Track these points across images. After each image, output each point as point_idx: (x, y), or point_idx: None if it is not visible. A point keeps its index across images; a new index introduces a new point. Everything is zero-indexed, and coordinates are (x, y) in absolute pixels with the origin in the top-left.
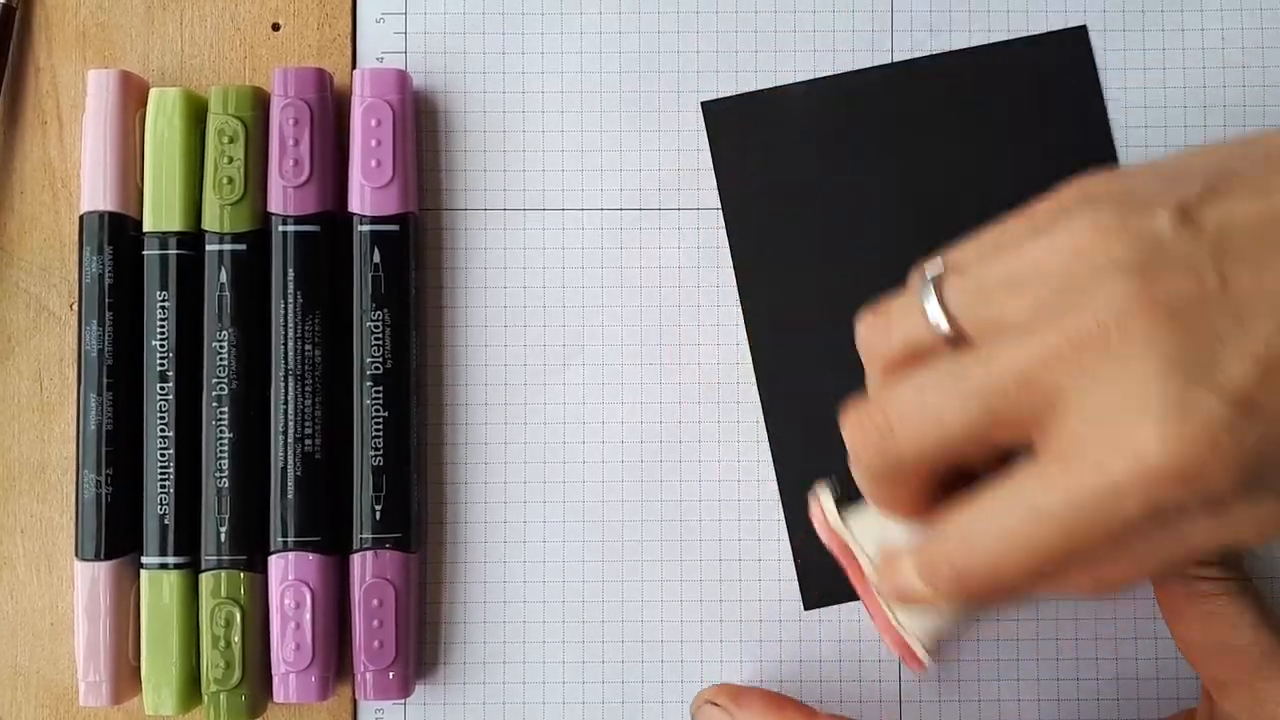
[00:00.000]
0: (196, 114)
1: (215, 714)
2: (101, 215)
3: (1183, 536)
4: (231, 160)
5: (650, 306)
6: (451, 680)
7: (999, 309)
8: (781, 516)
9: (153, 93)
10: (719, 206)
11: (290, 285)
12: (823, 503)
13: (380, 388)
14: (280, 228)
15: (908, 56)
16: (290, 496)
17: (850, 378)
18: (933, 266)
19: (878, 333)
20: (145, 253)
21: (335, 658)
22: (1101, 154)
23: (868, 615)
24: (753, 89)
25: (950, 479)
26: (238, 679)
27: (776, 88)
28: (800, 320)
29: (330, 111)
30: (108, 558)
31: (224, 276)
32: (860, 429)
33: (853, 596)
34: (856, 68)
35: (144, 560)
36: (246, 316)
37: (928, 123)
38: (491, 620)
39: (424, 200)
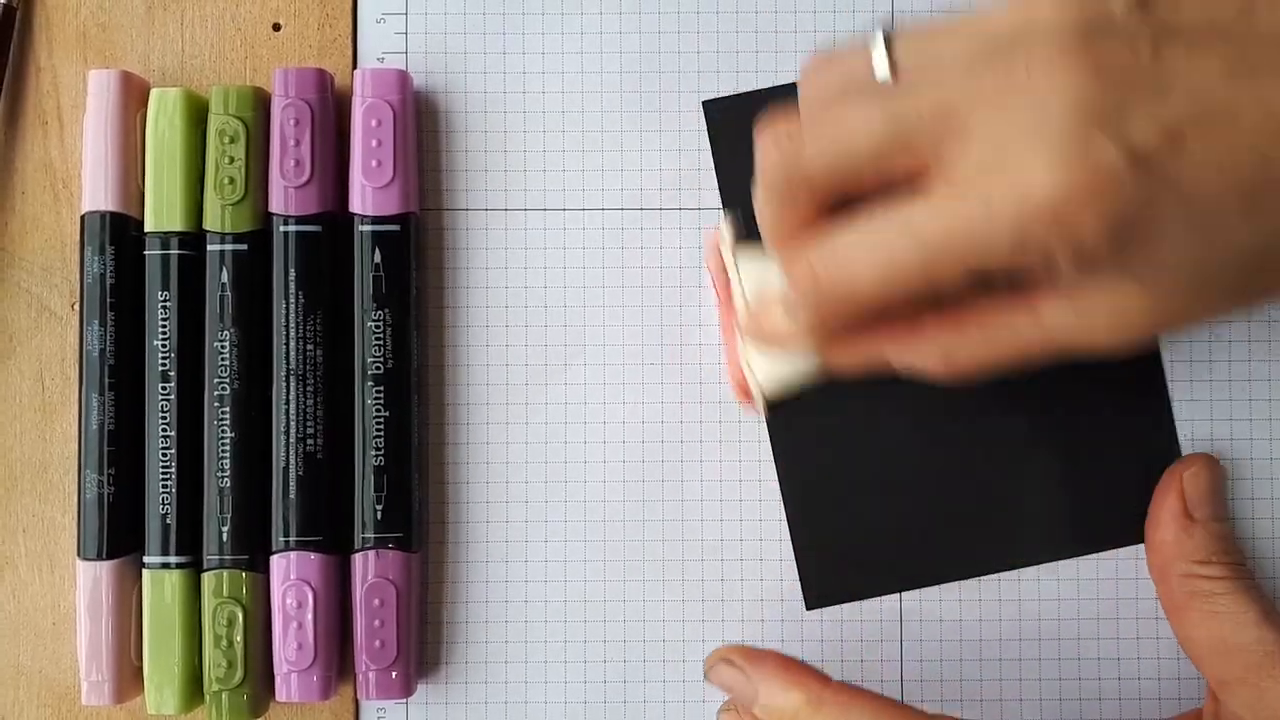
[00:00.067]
0: (197, 114)
1: (217, 713)
2: (103, 215)
3: (1038, 315)
4: (232, 160)
5: (650, 306)
6: (453, 680)
7: (940, 58)
8: (781, 516)
9: (153, 93)
10: (719, 206)
11: (291, 285)
12: (721, 231)
13: (381, 387)
14: (281, 228)
15: None
16: (292, 496)
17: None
18: (890, 24)
19: (820, 74)
20: (146, 253)
21: (337, 657)
22: None
23: (723, 347)
24: (753, 89)
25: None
26: (240, 678)
27: (776, 87)
28: None
29: (331, 112)
30: (110, 557)
31: (225, 276)
32: (772, 139)
33: (853, 597)
34: None
35: (146, 560)
36: (248, 316)
37: None
38: (493, 620)
39: (425, 200)
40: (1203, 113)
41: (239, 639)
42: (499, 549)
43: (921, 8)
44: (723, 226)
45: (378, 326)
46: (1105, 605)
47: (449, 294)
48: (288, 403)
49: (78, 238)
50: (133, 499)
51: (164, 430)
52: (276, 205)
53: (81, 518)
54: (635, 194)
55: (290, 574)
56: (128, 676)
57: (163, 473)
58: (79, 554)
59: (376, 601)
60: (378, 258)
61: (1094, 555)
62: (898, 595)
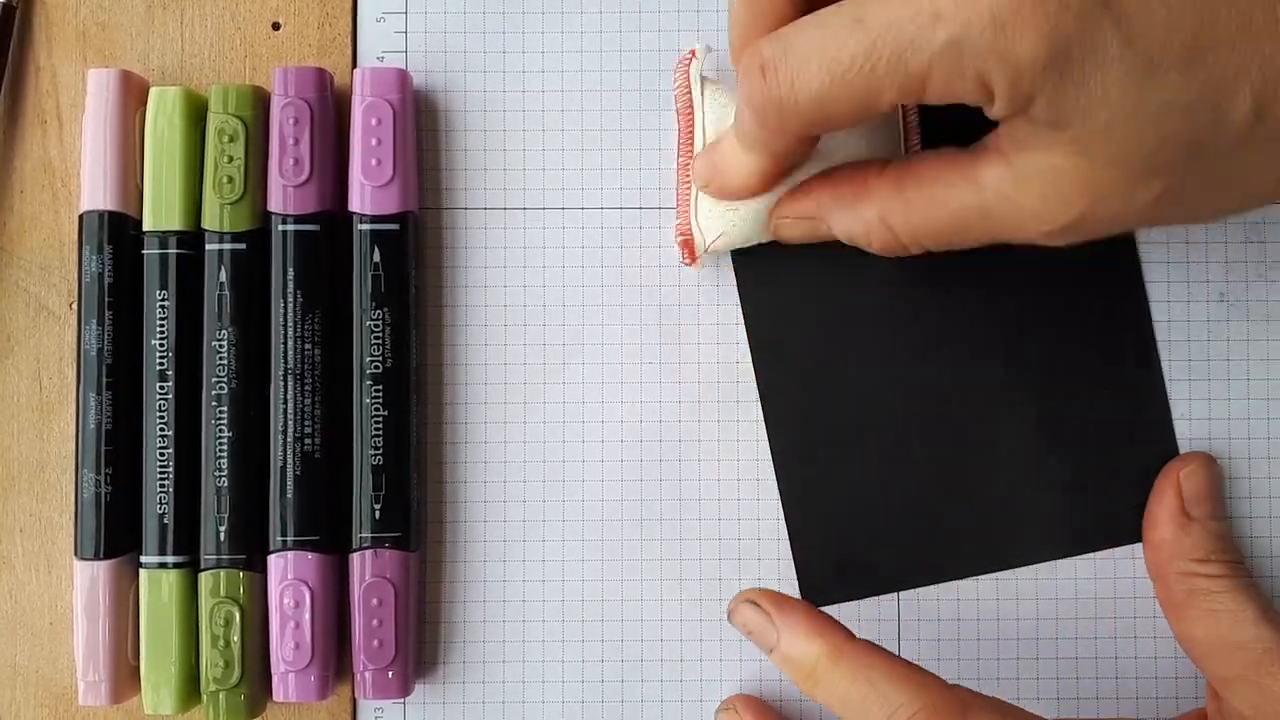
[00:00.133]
0: (196, 113)
1: (214, 713)
2: (101, 214)
3: (976, 178)
4: (231, 159)
5: (650, 306)
6: (451, 679)
7: None
8: (780, 516)
9: (153, 92)
10: None
11: (290, 284)
12: (695, 55)
13: (380, 387)
14: (280, 227)
15: None
16: (289, 496)
17: (852, 375)
18: None
19: None
20: (145, 252)
21: (335, 657)
22: None
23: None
24: None
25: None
26: (237, 678)
27: None
28: (800, 317)
29: (330, 111)
30: (107, 557)
31: (224, 276)
32: None
33: (852, 597)
34: None
35: (143, 559)
36: (246, 316)
37: (928, 120)
38: (491, 619)
39: (424, 199)
40: None
41: (236, 639)
42: (497, 548)
43: None
44: (696, 50)
45: (376, 326)
46: (1105, 605)
47: (448, 293)
48: (286, 402)
49: (76, 237)
50: (130, 498)
51: (162, 430)
52: (275, 204)
53: (79, 517)
54: (635, 194)
55: (288, 573)
56: (125, 676)
57: (160, 472)
58: (76, 554)
59: (374, 601)
60: (377, 257)
61: (1093, 555)
62: (896, 595)
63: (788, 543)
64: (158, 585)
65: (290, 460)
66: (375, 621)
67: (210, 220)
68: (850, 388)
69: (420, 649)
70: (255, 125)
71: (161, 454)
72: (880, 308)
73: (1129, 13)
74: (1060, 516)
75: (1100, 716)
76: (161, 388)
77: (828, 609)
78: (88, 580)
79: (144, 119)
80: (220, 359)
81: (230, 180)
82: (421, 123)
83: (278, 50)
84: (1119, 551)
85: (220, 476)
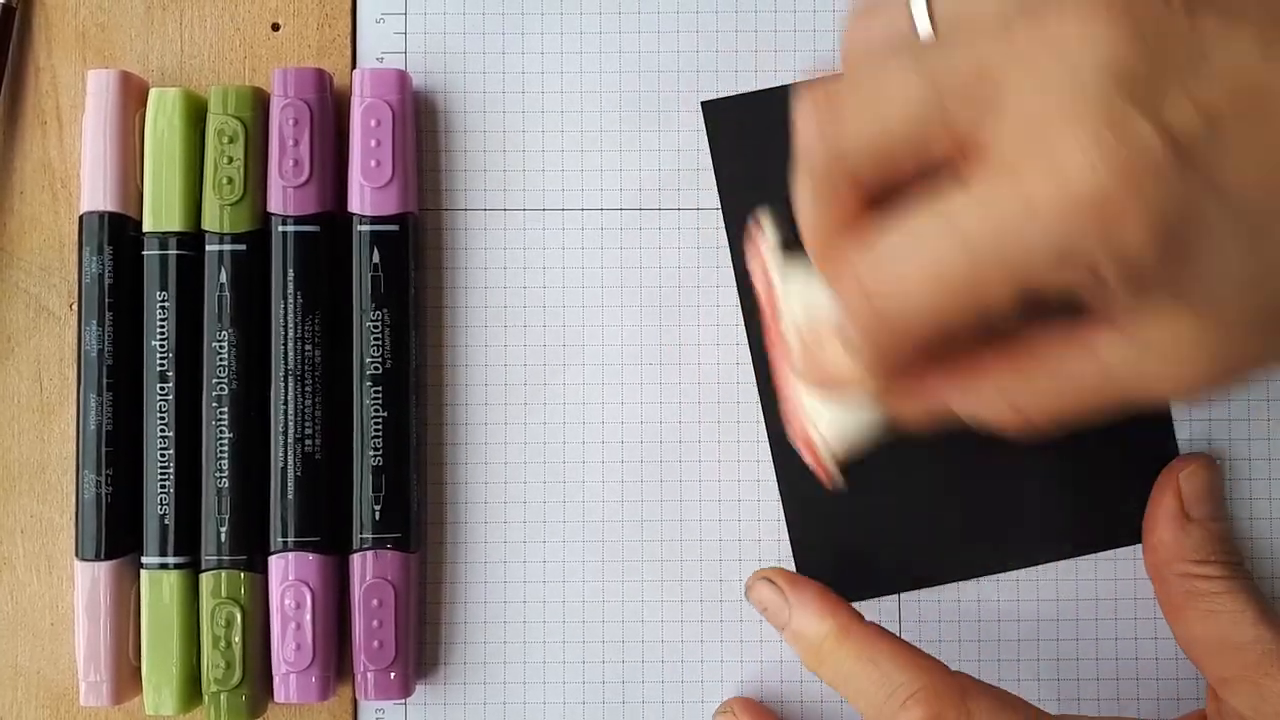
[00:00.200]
0: (196, 114)
1: (216, 714)
2: (101, 215)
3: (1096, 353)
4: (231, 160)
5: (650, 306)
6: (452, 680)
7: (977, 9)
8: (781, 516)
9: (152, 93)
10: (719, 206)
11: (290, 285)
12: (766, 238)
13: (380, 388)
14: (280, 228)
15: None
16: (290, 496)
17: None
18: None
19: (860, 27)
20: (145, 253)
21: (335, 658)
22: None
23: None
24: (753, 89)
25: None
26: (238, 679)
27: (776, 87)
28: None
29: (330, 112)
30: (108, 558)
31: (224, 276)
32: (813, 111)
33: (852, 597)
34: None
35: (144, 560)
36: (246, 317)
37: None
38: (492, 620)
39: (424, 200)
40: (1240, 91)
41: (237, 639)
42: (497, 549)
43: None
44: (765, 228)
45: (376, 326)
46: (1105, 605)
47: (448, 294)
48: (286, 403)
49: (76, 238)
50: (131, 499)
51: (162, 430)
52: (275, 205)
53: (79, 518)
54: (635, 194)
55: (289, 574)
56: (126, 677)
57: (161, 473)
58: (77, 554)
59: (375, 602)
60: (376, 258)
61: (1093, 555)
62: (897, 595)
63: (788, 543)
64: (159, 586)
65: (291, 461)
66: (376, 622)
67: (210, 221)
68: None
69: (421, 650)
70: (255, 126)
71: (162, 455)
72: None
73: (1224, 169)
74: (1060, 517)
75: (1100, 716)
76: (162, 389)
77: None
78: (89, 581)
79: (144, 120)
80: (220, 360)
81: (230, 181)
82: (421, 123)
83: (277, 51)
84: (1119, 551)
85: (221, 477)
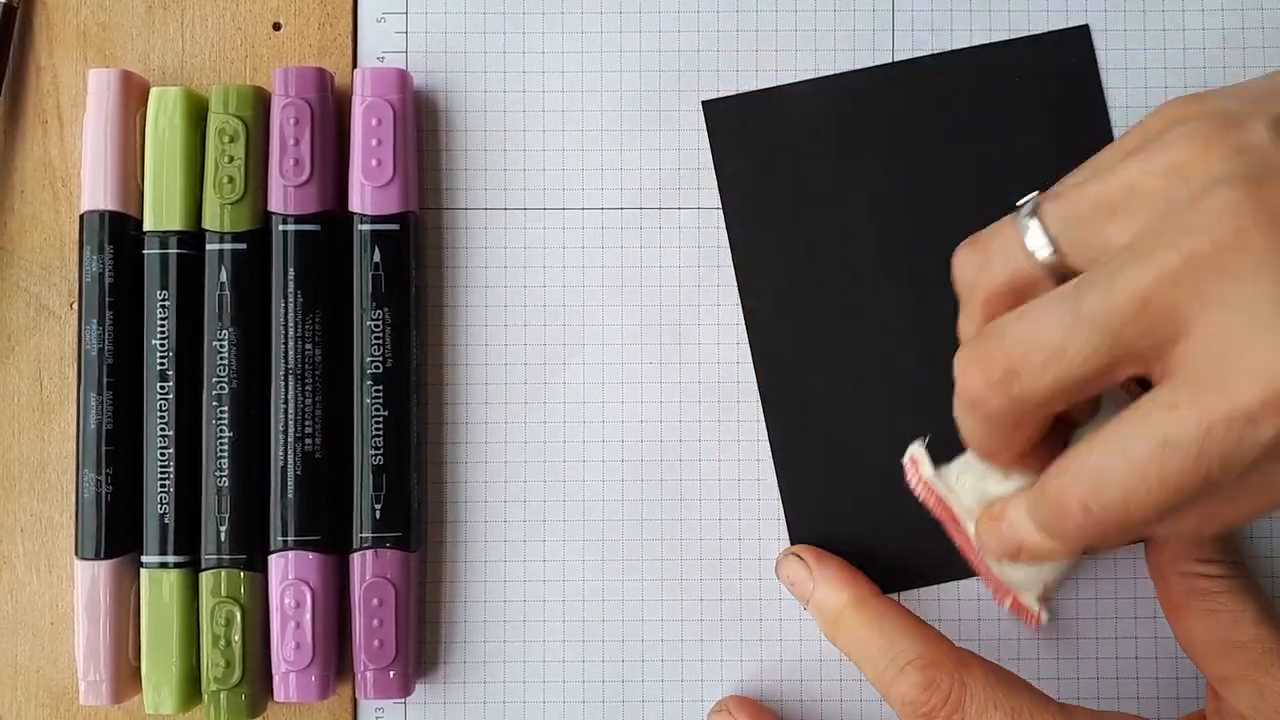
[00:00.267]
0: (197, 113)
1: (215, 713)
2: (102, 214)
3: None
4: (232, 159)
5: (650, 306)
6: (452, 679)
7: (1102, 234)
8: (781, 516)
9: (153, 92)
10: (719, 206)
11: (290, 284)
12: (919, 461)
13: (380, 387)
14: (280, 227)
15: (908, 55)
16: (290, 496)
17: (851, 376)
18: (1028, 199)
19: (975, 265)
20: (145, 252)
21: (335, 657)
22: None
23: (977, 576)
24: (753, 88)
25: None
26: (238, 678)
27: (777, 87)
28: (801, 320)
29: (331, 111)
30: (108, 557)
31: (224, 276)
32: (980, 368)
33: None
34: (857, 67)
35: (144, 559)
36: (247, 316)
37: (929, 122)
38: (492, 619)
39: (424, 199)
40: None
41: (237, 639)
42: (498, 548)
43: (922, 7)
44: (917, 457)
45: (377, 326)
46: (1105, 605)
47: (448, 293)
48: (286, 402)
49: (77, 237)
50: (131, 498)
51: (162, 430)
52: (276, 204)
53: (79, 517)
54: (635, 194)
55: (288, 573)
56: (126, 676)
57: (161, 472)
58: (77, 553)
59: (375, 601)
60: (377, 257)
61: (1093, 555)
62: (896, 595)
63: (788, 542)
64: (158, 585)
65: (291, 460)
66: (376, 621)
67: (211, 220)
68: (852, 387)
69: (421, 649)
70: (256, 125)
71: (162, 454)
72: (882, 308)
73: None
74: None
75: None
76: (162, 388)
77: None
78: (88, 580)
79: (144, 119)
80: (221, 359)
81: (231, 180)
82: (422, 123)
83: (278, 50)
84: (1121, 552)
85: (221, 476)
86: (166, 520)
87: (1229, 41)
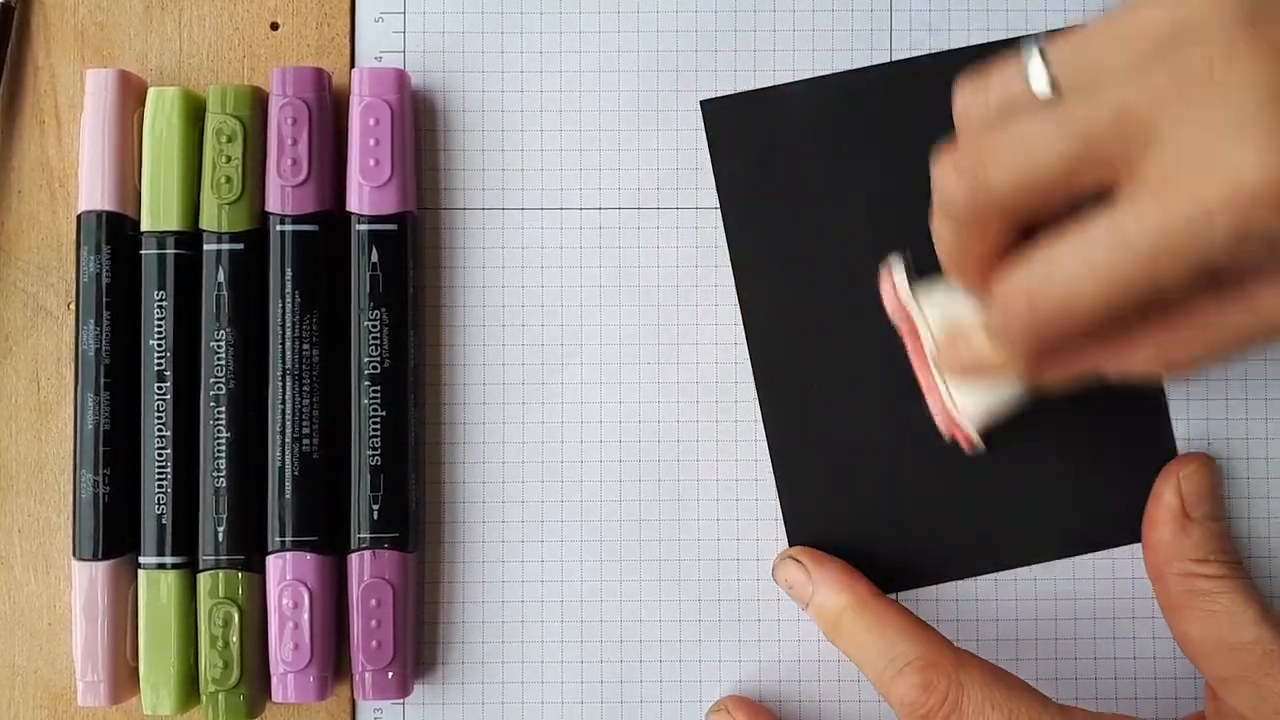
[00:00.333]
0: (195, 113)
1: (213, 714)
2: (99, 215)
3: (1254, 306)
4: (229, 160)
5: (650, 306)
6: (450, 680)
7: (1101, 63)
8: (779, 516)
9: (151, 92)
10: (718, 206)
11: (288, 285)
12: (894, 274)
13: (378, 387)
14: (278, 227)
15: (906, 55)
16: (288, 496)
17: (850, 377)
18: (1033, 35)
19: (975, 96)
20: (143, 252)
21: (333, 658)
22: None
23: (923, 395)
24: (752, 88)
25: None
26: (236, 679)
27: (776, 86)
28: (799, 319)
29: (329, 111)
30: (105, 557)
31: (222, 276)
32: (952, 168)
33: None
34: (855, 66)
35: (142, 560)
36: (244, 316)
37: (927, 122)
38: (490, 620)
39: (422, 199)
40: None
41: (235, 639)
42: (496, 549)
43: (920, 7)
44: (893, 269)
45: (374, 326)
46: (1104, 605)
47: (446, 293)
48: (284, 402)
49: (74, 237)
50: (128, 499)
51: (160, 430)
52: (273, 204)
53: (77, 518)
54: (633, 194)
55: (286, 574)
56: (123, 677)
57: (158, 473)
58: (74, 554)
59: (373, 602)
60: (375, 257)
61: (1093, 555)
62: (896, 595)
63: (787, 543)
64: (156, 586)
65: (288, 461)
66: (374, 622)
67: (208, 220)
68: (849, 386)
69: (419, 649)
70: (253, 125)
71: (160, 454)
72: (881, 313)
73: None
74: (1060, 516)
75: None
76: (159, 388)
77: None
78: (86, 581)
79: (142, 119)
80: (218, 359)
81: (228, 180)
82: (420, 123)
83: (276, 50)
84: (1119, 551)
85: (219, 477)
86: (164, 521)
87: None
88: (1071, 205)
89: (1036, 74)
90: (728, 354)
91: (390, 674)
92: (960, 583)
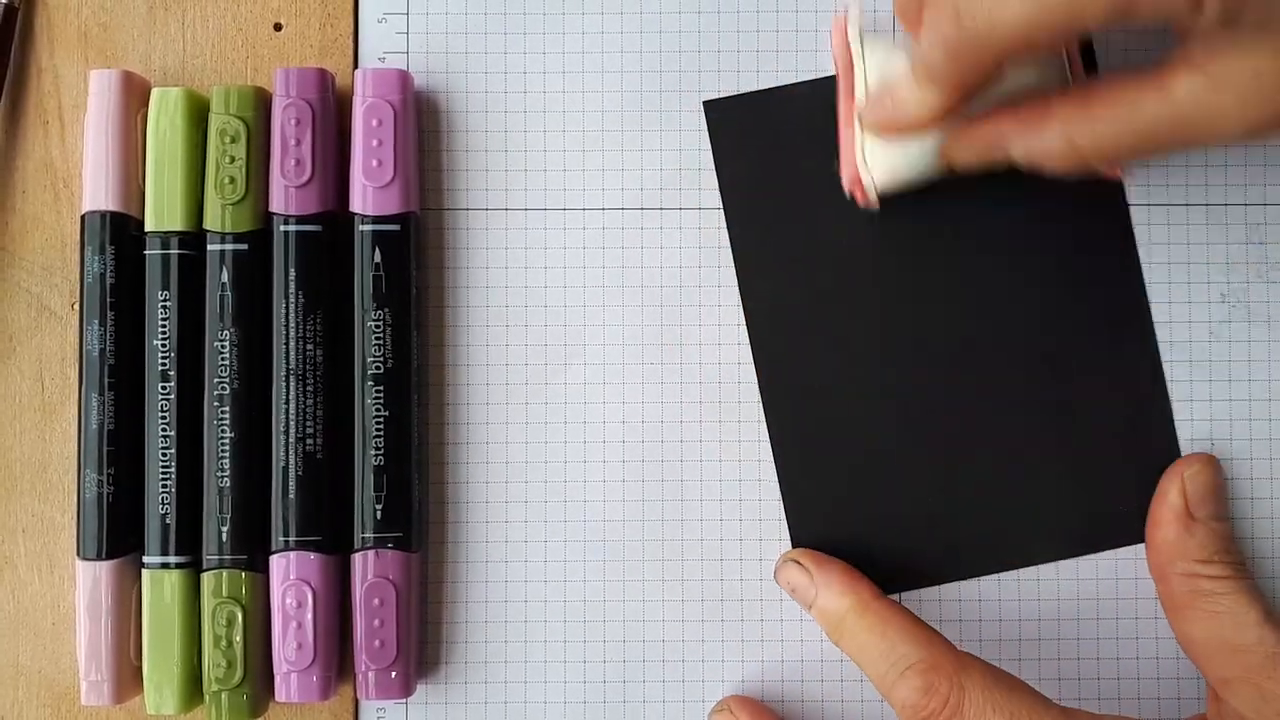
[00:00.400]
0: (198, 114)
1: (217, 713)
2: (103, 215)
3: (1168, 91)
4: (233, 160)
5: (650, 306)
6: (453, 679)
7: None
8: (781, 517)
9: (155, 92)
10: (720, 206)
11: (291, 285)
12: (849, 13)
13: (381, 387)
14: (282, 227)
15: None
16: (291, 496)
17: (851, 377)
18: None
19: None
20: (147, 252)
21: (337, 657)
22: None
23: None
24: (754, 88)
25: None
26: (239, 678)
27: (778, 87)
28: (801, 319)
29: (332, 111)
30: (109, 557)
31: (225, 276)
32: None
33: None
34: None
35: (145, 560)
36: (248, 316)
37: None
38: (493, 619)
39: (425, 200)
40: None
41: (238, 639)
42: (498, 549)
43: None
44: (850, 9)
45: (378, 326)
46: (1105, 605)
47: (449, 294)
48: (287, 402)
49: (78, 237)
50: (132, 499)
51: (164, 430)
52: (277, 205)
53: (81, 517)
54: (635, 194)
55: (290, 574)
56: (127, 676)
57: (162, 472)
58: (78, 554)
59: (376, 601)
60: (378, 257)
61: (1093, 555)
62: (897, 596)
63: (787, 543)
64: (160, 585)
65: (292, 460)
66: (377, 622)
67: (212, 221)
68: (851, 390)
69: (422, 649)
70: (257, 126)
71: (164, 454)
72: (883, 314)
73: None
74: (1060, 516)
75: (1101, 714)
76: (163, 388)
77: None
78: (90, 580)
79: (146, 120)
80: (222, 359)
81: (232, 181)
82: (423, 123)
83: (279, 51)
84: (1119, 551)
85: (222, 477)
86: (168, 520)
87: None
88: None
89: None
90: (730, 354)
91: (393, 673)
92: (961, 583)
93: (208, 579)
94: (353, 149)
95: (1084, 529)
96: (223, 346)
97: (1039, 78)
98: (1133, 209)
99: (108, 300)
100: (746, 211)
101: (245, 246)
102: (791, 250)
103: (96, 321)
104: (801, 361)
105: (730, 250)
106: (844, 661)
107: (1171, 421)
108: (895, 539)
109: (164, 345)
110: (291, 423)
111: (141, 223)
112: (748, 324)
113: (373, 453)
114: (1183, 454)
